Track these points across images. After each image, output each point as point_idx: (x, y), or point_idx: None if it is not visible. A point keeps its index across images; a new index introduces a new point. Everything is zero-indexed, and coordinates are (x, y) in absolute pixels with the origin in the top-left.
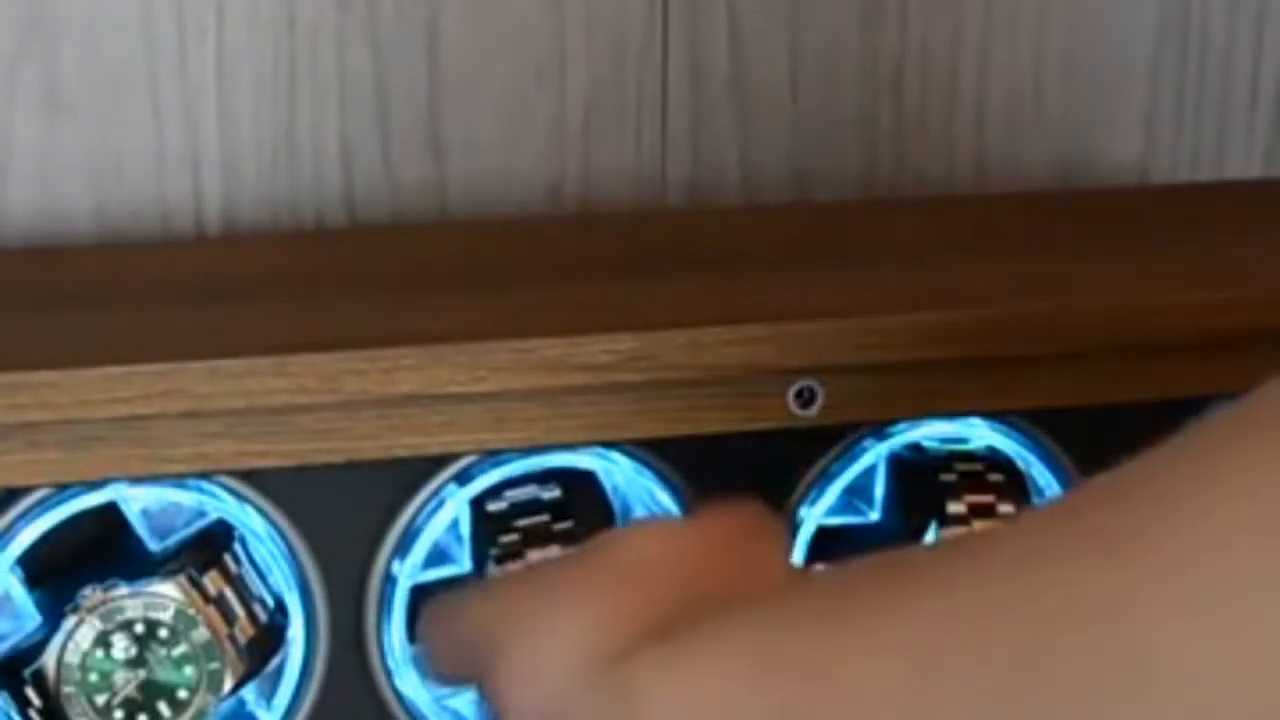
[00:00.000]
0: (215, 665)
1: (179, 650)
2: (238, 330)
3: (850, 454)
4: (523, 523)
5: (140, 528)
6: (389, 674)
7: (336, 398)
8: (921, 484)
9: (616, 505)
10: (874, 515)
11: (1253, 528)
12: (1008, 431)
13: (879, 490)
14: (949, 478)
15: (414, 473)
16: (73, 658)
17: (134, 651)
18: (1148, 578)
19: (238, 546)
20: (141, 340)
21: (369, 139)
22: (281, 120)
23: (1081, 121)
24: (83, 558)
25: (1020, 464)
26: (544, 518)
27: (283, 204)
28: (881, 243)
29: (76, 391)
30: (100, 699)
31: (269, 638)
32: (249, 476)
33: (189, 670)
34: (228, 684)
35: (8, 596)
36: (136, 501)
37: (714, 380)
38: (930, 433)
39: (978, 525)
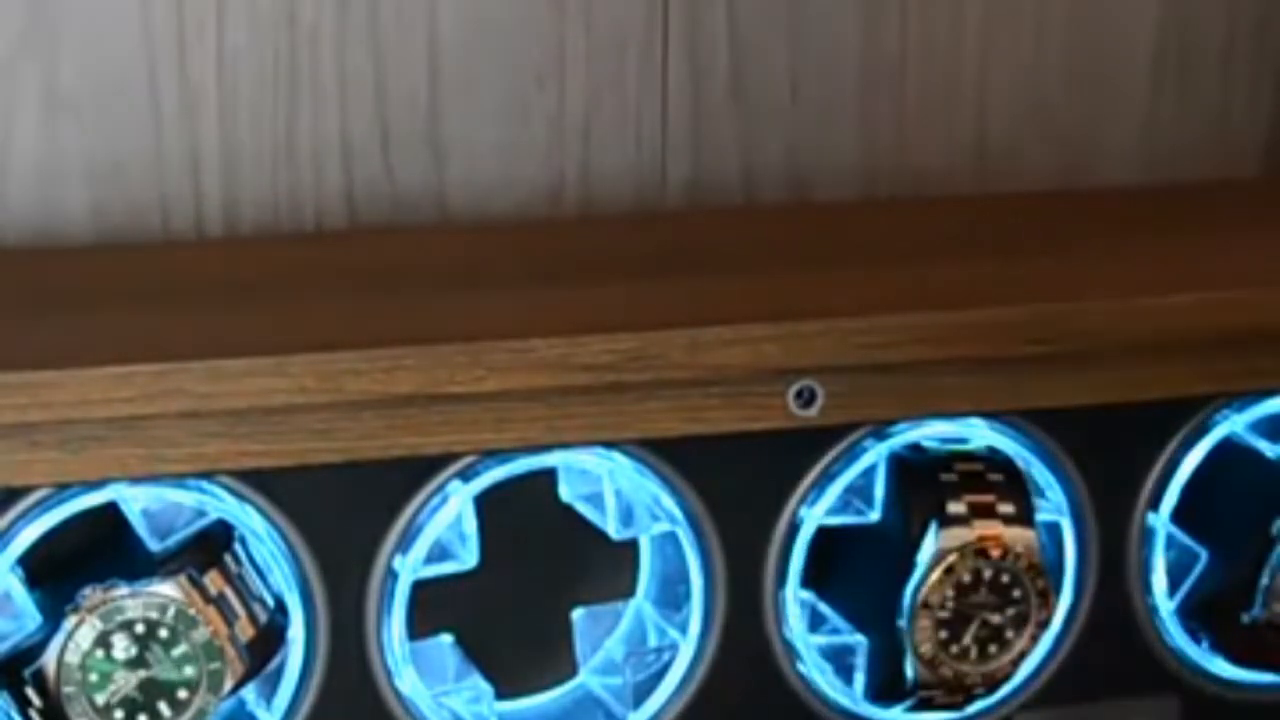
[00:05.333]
0: (215, 665)
1: (179, 650)
2: (238, 330)
3: (850, 454)
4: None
5: (140, 528)
6: (389, 674)
7: (336, 398)
8: (921, 484)
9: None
10: (874, 515)
11: None
12: (1008, 431)
13: (879, 490)
14: (949, 478)
15: (414, 472)
16: (73, 658)
17: (134, 651)
18: None
19: (238, 546)
20: (141, 340)
21: (369, 139)
22: (281, 120)
23: (1082, 121)
24: (83, 558)
25: (1020, 464)
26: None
27: (283, 204)
28: (881, 243)
29: (76, 391)
30: (100, 699)
31: (269, 638)
32: (249, 476)
33: (189, 670)
34: (228, 684)
35: (8, 596)
36: (136, 501)
37: (714, 380)
38: (930, 433)
39: (978, 525)
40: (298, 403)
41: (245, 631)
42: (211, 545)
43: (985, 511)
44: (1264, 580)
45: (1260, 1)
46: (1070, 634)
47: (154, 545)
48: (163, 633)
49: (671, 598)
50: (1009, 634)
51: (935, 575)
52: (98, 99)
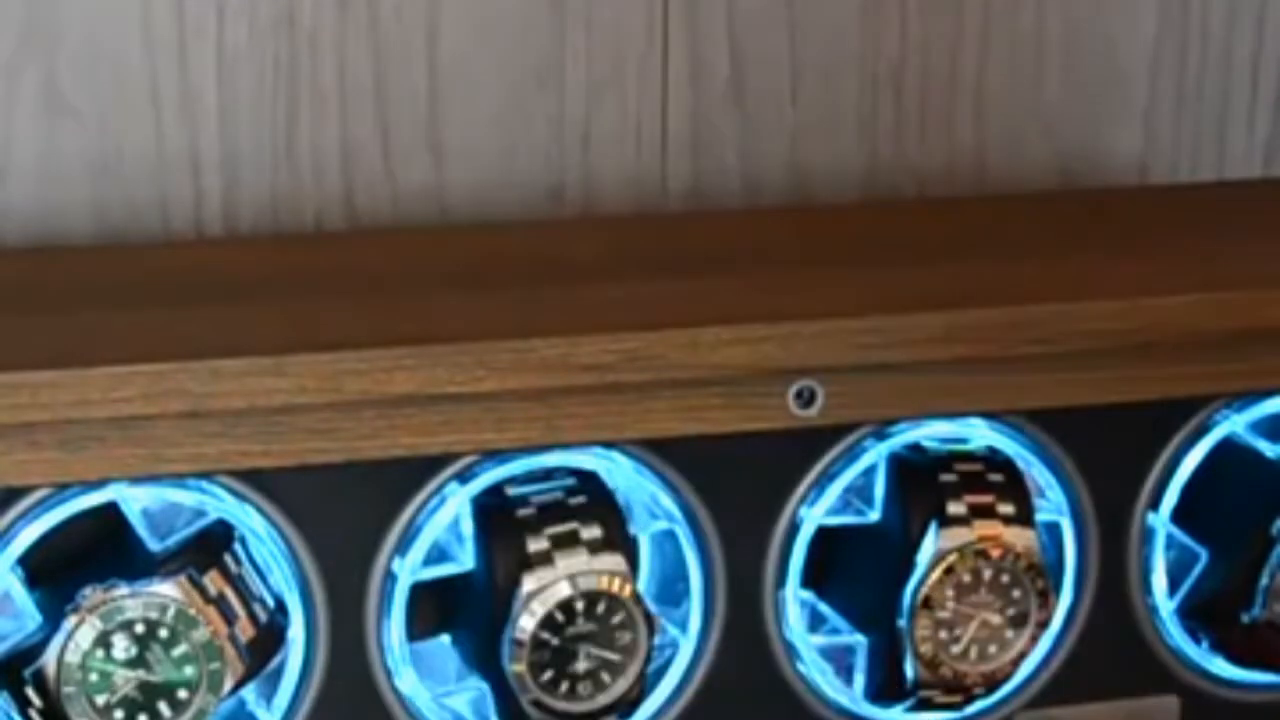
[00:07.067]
0: (215, 665)
1: (179, 650)
2: (238, 330)
3: (850, 454)
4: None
5: (140, 528)
6: (389, 674)
7: (336, 398)
8: (921, 484)
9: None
10: (874, 515)
11: None
12: (1008, 431)
13: (879, 490)
14: (949, 478)
15: (414, 472)
16: (73, 658)
17: (134, 651)
18: None
19: (238, 546)
20: (141, 340)
21: (369, 140)
22: (281, 121)
23: (1081, 121)
24: (83, 558)
25: (1020, 464)
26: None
27: (283, 205)
28: (881, 243)
29: (76, 391)
30: (100, 699)
31: (269, 638)
32: (249, 476)
33: (189, 670)
34: (228, 684)
35: (8, 596)
36: (136, 501)
37: (714, 380)
38: (930, 433)
39: (978, 525)
40: (298, 403)
41: (245, 631)
42: (211, 545)
43: (985, 511)
44: (1264, 580)
45: (1261, 1)
46: (1070, 634)
47: (154, 545)
48: (163, 633)
49: (671, 596)
50: (1009, 634)
51: (935, 575)
52: (98, 99)
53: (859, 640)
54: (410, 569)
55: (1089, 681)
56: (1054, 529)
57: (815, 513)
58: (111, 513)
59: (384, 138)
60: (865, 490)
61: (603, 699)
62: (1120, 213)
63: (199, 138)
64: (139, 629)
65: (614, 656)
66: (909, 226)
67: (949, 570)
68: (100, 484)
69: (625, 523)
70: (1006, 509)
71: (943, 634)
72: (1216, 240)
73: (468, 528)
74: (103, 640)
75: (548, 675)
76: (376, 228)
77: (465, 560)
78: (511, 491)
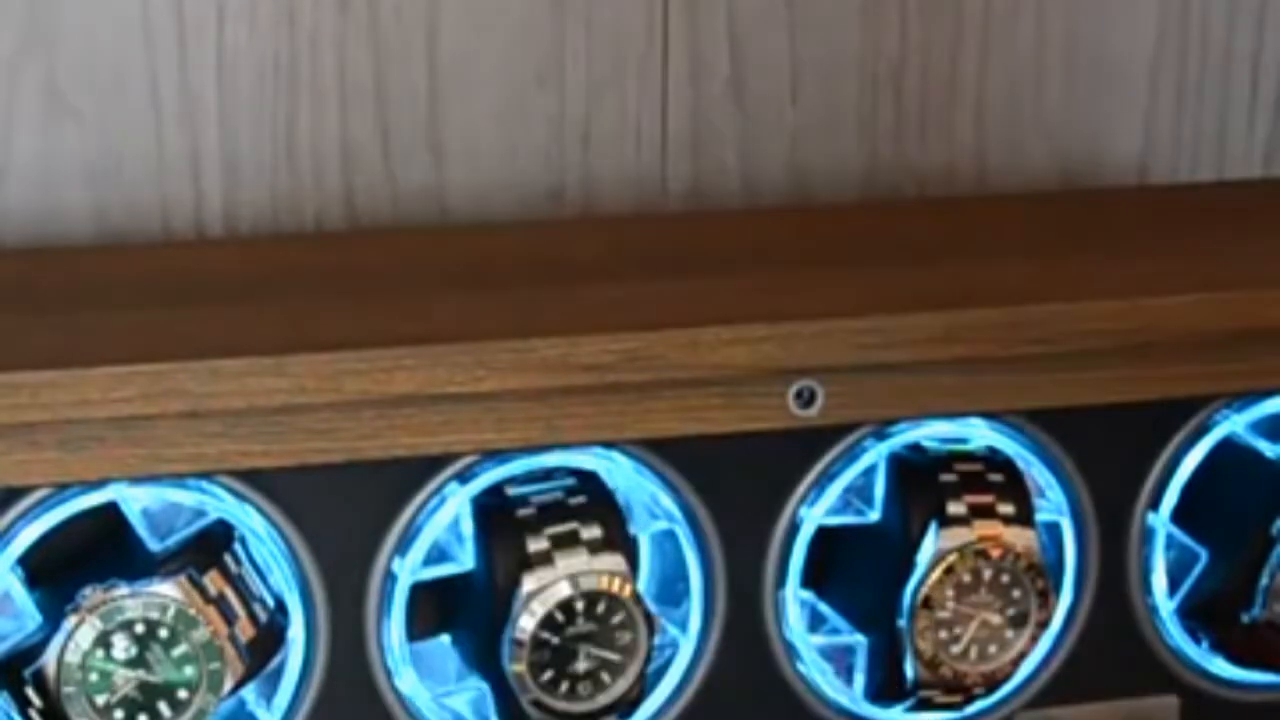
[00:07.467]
0: (215, 665)
1: (179, 650)
2: (238, 330)
3: (850, 454)
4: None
5: (140, 528)
6: (389, 674)
7: (336, 398)
8: (921, 484)
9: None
10: (874, 515)
11: None
12: (1008, 431)
13: (879, 490)
14: (949, 478)
15: (414, 472)
16: (73, 658)
17: (134, 651)
18: None
19: (238, 546)
20: (141, 340)
21: (369, 140)
22: (281, 121)
23: (1082, 122)
24: (83, 558)
25: (1020, 464)
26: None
27: (283, 205)
28: (881, 243)
29: (76, 391)
30: (100, 699)
31: (269, 638)
32: (249, 476)
33: (189, 670)
34: (228, 684)
35: (8, 596)
36: (136, 501)
37: (714, 380)
38: (930, 433)
39: (978, 525)
40: (298, 403)
41: (245, 631)
42: (211, 545)
43: (985, 511)
44: (1264, 580)
45: (1261, 1)
46: (1070, 634)
47: (154, 545)
48: (163, 633)
49: (671, 596)
50: (1009, 634)
51: (935, 575)
52: (98, 99)
53: (859, 640)
54: (410, 569)
55: (1089, 681)
56: (1054, 529)
57: (815, 513)
58: (111, 513)
59: (384, 138)
60: (865, 490)
61: (603, 699)
62: (1120, 213)
63: (199, 138)
64: (139, 629)
65: (614, 656)
66: (909, 226)
67: (949, 570)
68: (100, 484)
69: (625, 523)
70: (1006, 509)
71: (943, 634)
72: (1216, 240)
73: (468, 528)
74: (103, 640)
75: (548, 675)
76: (376, 228)
77: (465, 560)
78: (511, 491)
